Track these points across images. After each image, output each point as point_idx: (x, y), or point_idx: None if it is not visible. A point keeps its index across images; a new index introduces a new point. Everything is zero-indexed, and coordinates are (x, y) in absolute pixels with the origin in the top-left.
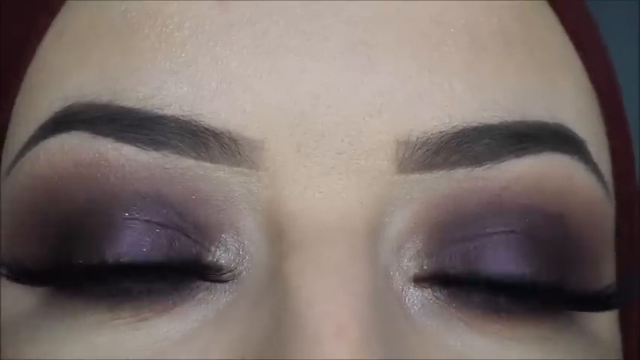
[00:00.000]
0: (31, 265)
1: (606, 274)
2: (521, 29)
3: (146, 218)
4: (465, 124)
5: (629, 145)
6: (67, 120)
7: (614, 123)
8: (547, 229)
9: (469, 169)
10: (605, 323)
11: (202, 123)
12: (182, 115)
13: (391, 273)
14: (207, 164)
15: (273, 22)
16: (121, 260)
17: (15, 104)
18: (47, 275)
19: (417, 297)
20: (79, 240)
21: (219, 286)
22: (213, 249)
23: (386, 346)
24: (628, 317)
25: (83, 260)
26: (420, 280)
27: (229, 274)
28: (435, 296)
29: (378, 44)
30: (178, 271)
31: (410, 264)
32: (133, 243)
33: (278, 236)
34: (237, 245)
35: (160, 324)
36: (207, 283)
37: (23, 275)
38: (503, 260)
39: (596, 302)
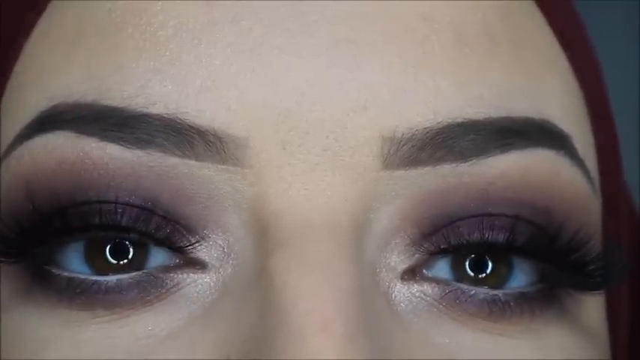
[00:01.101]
0: (11, 233)
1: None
2: (506, 28)
3: (128, 210)
4: (449, 120)
5: (616, 143)
6: (52, 120)
7: (601, 121)
8: (535, 220)
9: (454, 164)
10: (594, 314)
11: (187, 121)
12: (167, 114)
13: (377, 270)
14: (192, 162)
15: (258, 19)
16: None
17: (1, 103)
18: (23, 241)
19: (403, 294)
20: (55, 223)
21: (204, 283)
22: (197, 246)
23: (371, 343)
24: (615, 307)
25: (60, 236)
26: (407, 277)
27: (213, 270)
28: (423, 293)
29: (363, 41)
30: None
31: (397, 260)
32: (112, 226)
33: (263, 233)
34: (222, 243)
35: (144, 320)
36: (191, 278)
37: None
38: (491, 233)
39: (585, 276)
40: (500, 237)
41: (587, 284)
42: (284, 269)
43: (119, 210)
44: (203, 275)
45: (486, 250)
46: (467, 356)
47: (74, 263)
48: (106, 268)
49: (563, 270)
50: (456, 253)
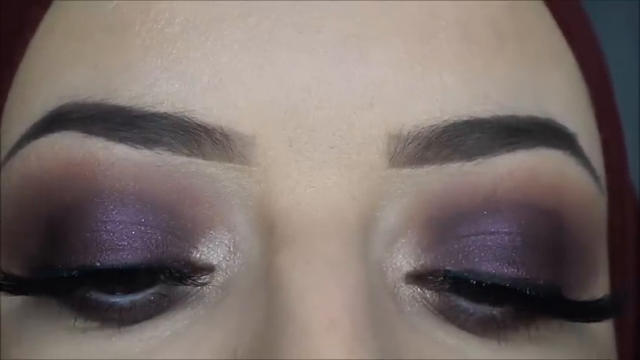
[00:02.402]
0: (18, 271)
1: (600, 268)
2: (513, 24)
3: (132, 220)
4: (456, 118)
5: (621, 138)
6: (59, 119)
7: (606, 115)
8: (542, 225)
9: (460, 163)
10: (600, 324)
11: (195, 119)
12: (174, 112)
13: (384, 268)
14: (200, 160)
15: (264, 16)
16: (104, 264)
17: (7, 100)
18: (26, 285)
19: (408, 294)
20: (61, 244)
21: (211, 282)
22: (203, 247)
23: (378, 341)
24: (622, 318)
25: (63, 265)
26: (412, 280)
27: (220, 269)
28: (425, 300)
29: (370, 37)
30: (167, 274)
31: (403, 261)
32: (118, 246)
33: (270, 231)
34: (228, 242)
35: (150, 324)
36: (199, 287)
37: (7, 285)
38: (498, 261)
39: (591, 312)
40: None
41: (594, 317)
42: (290, 267)
43: (126, 240)
44: (210, 275)
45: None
46: (475, 356)
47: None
48: (118, 289)
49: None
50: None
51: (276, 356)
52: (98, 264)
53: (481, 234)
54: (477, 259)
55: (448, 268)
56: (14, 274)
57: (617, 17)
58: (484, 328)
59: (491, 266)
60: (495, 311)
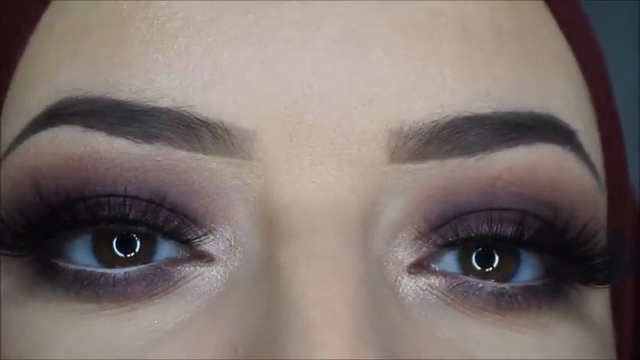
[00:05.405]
0: (19, 228)
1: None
2: (513, 21)
3: (136, 203)
4: (456, 114)
5: (620, 136)
6: (58, 114)
7: (605, 114)
8: (541, 215)
9: (461, 159)
10: (599, 308)
11: (195, 114)
12: (175, 107)
13: (384, 263)
14: (200, 155)
15: (265, 12)
16: (103, 228)
17: (7, 96)
18: (31, 235)
19: (411, 287)
20: (64, 216)
21: (211, 276)
22: (204, 239)
23: (380, 336)
24: (620, 301)
25: (65, 226)
26: (414, 271)
27: (220, 261)
28: (430, 286)
29: (371, 33)
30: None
31: (404, 253)
32: (120, 219)
33: (270, 226)
34: (228, 236)
35: (151, 314)
36: (199, 271)
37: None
38: (499, 226)
39: (591, 270)
40: (508, 230)
41: (592, 278)
42: (292, 262)
43: (127, 203)
44: (210, 268)
45: (494, 244)
46: (474, 350)
47: (81, 256)
48: (114, 261)
49: (570, 263)
50: (463, 245)
51: (278, 350)
52: (103, 213)
53: (482, 224)
54: (478, 227)
55: (451, 239)
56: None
57: (617, 17)
58: (496, 304)
59: (493, 230)
60: (506, 286)
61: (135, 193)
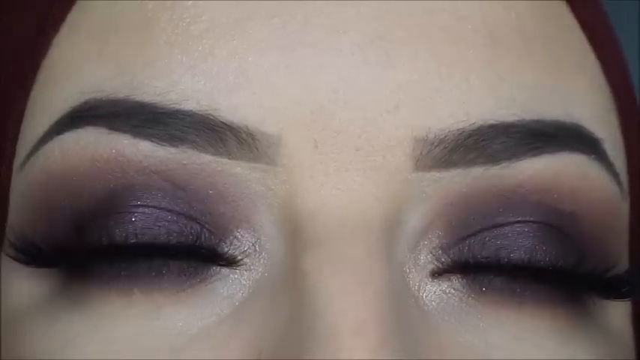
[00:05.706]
0: (43, 245)
1: (620, 270)
2: (538, 26)
3: (161, 206)
4: (482, 122)
5: None
6: (83, 115)
7: (629, 120)
8: (561, 226)
9: (485, 167)
10: (618, 317)
11: (220, 117)
12: (199, 110)
13: (407, 270)
14: (225, 160)
15: (291, 15)
16: (130, 240)
17: (30, 97)
18: (58, 255)
19: (434, 292)
20: (91, 226)
21: (235, 280)
22: (228, 243)
23: (404, 345)
24: None
25: (93, 240)
26: (437, 275)
27: (243, 265)
28: (452, 288)
29: (397, 39)
30: (191, 257)
31: (427, 259)
32: (145, 227)
33: (295, 233)
34: (253, 241)
35: (176, 316)
36: (223, 273)
37: (34, 256)
38: (521, 248)
39: (611, 286)
40: (525, 258)
41: (612, 293)
42: (316, 269)
43: (158, 225)
44: (234, 273)
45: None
46: (495, 355)
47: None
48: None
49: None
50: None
51: (303, 353)
52: (120, 240)
53: (504, 226)
54: (501, 247)
55: (473, 259)
56: (39, 247)
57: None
58: (511, 308)
59: (516, 254)
60: (519, 286)
61: (166, 205)
